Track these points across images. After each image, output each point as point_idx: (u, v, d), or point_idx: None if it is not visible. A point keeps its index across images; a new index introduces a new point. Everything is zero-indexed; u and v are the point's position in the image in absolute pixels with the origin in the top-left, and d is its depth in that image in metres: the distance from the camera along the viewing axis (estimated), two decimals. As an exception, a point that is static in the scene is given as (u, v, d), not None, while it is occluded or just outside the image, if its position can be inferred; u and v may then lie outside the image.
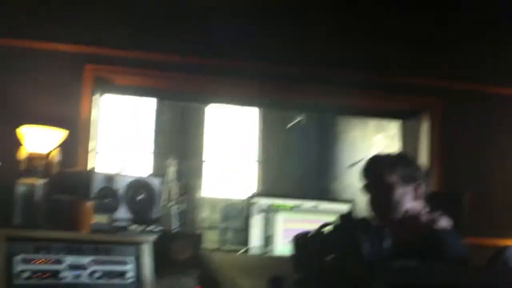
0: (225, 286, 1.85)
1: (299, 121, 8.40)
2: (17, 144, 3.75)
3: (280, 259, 2.67)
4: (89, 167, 4.10)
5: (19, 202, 3.08)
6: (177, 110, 8.52)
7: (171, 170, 6.80)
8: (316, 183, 8.40)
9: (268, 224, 3.98)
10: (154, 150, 8.74)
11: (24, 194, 3.10)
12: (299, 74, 4.55)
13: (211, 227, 7.69)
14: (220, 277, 1.90)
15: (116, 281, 3.02)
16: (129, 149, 8.65)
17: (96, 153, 4.43)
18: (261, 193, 5.62)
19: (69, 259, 2.92)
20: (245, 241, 4.98)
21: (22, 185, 3.13)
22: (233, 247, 6.27)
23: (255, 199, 4.01)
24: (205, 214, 8.38)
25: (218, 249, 6.64)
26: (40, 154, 3.62)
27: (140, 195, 3.48)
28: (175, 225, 5.14)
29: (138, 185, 3.49)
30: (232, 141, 9.20)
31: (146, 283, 3.08)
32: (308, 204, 4.09)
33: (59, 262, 2.90)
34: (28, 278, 2.80)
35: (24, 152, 3.61)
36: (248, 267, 2.14)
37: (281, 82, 4.55)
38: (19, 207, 3.07)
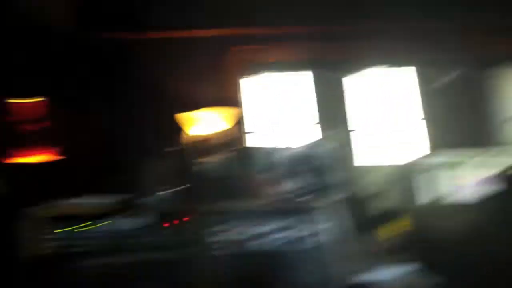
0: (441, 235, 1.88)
1: (457, 75, 8.15)
2: (186, 128, 3.96)
3: (473, 206, 2.68)
4: (252, 143, 4.24)
5: (199, 180, 3.28)
6: (324, 81, 8.54)
7: (331, 139, 6.84)
8: (483, 135, 8.13)
9: (441, 182, 3.94)
10: (313, 121, 8.85)
11: (203, 173, 3.29)
12: (458, 28, 4.42)
13: (378, 193, 7.68)
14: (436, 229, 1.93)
15: (297, 246, 3.15)
16: (288, 123, 8.82)
17: (255, 131, 4.56)
18: (431, 151, 5.53)
19: (252, 229, 3.09)
20: (413, 202, 4.93)
21: (200, 164, 3.33)
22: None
23: (425, 159, 3.98)
24: (370, 179, 8.38)
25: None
26: (210, 135, 3.82)
27: (307, 165, 3.57)
28: (341, 193, 5.19)
29: (305, 156, 3.58)
30: (390, 104, 9.07)
31: (325, 248, 3.18)
32: (481, 156, 4.00)
33: (243, 232, 3.08)
34: (217, 248, 3.01)
35: (193, 135, 3.82)
36: (450, 215, 2.16)
37: (437, 38, 4.45)
38: (200, 184, 3.27)
